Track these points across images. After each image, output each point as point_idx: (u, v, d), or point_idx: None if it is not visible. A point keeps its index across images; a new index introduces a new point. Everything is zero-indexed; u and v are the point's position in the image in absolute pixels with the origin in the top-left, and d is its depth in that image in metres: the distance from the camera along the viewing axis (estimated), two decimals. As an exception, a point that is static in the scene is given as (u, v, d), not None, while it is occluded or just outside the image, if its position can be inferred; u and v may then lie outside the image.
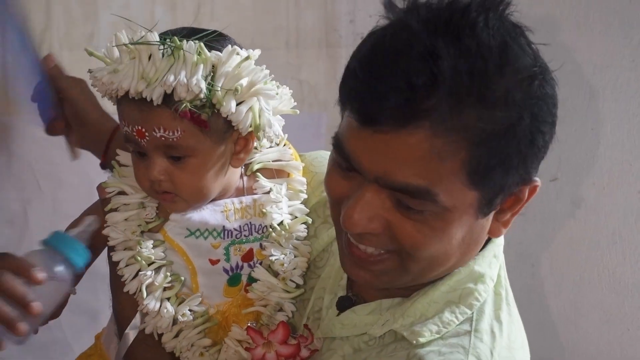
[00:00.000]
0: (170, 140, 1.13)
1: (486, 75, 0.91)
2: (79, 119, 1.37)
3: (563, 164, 1.91)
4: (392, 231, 1.01)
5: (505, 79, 0.92)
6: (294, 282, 1.24)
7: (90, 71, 1.15)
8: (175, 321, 1.21)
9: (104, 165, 1.43)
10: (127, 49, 1.12)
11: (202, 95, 1.10)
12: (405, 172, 0.95)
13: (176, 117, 1.11)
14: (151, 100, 1.10)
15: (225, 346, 1.22)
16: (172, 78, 1.08)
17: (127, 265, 1.21)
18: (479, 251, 1.11)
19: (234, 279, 1.25)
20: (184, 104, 1.09)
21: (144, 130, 1.13)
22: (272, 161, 1.28)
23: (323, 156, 1.36)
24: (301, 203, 1.28)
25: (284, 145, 1.30)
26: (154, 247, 1.21)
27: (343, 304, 1.18)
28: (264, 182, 1.26)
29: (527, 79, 0.94)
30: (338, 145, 1.02)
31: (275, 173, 1.30)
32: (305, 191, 1.30)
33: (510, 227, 1.08)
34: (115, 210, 1.22)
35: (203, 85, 1.09)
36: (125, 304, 1.23)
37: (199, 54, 1.10)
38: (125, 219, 1.21)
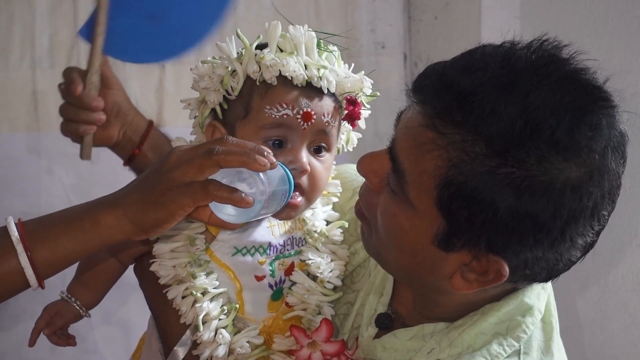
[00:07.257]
0: (330, 128, 1.18)
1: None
2: (117, 107, 1.43)
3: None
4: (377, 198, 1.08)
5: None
6: (332, 283, 1.25)
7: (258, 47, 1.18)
8: (231, 350, 1.19)
9: (130, 160, 1.46)
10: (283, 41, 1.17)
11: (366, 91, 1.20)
12: (402, 145, 1.02)
13: (339, 108, 1.19)
14: (319, 88, 1.16)
15: None
16: (340, 72, 1.18)
17: (183, 298, 1.18)
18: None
19: (276, 293, 1.25)
20: (357, 94, 1.18)
21: (313, 113, 1.15)
22: None
23: (350, 171, 1.38)
24: (335, 211, 1.30)
25: None
26: (207, 275, 1.19)
27: (382, 322, 1.19)
28: None
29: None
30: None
31: None
32: (338, 194, 1.31)
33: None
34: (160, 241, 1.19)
35: (369, 83, 1.20)
36: (172, 322, 1.21)
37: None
38: (172, 250, 1.19)
